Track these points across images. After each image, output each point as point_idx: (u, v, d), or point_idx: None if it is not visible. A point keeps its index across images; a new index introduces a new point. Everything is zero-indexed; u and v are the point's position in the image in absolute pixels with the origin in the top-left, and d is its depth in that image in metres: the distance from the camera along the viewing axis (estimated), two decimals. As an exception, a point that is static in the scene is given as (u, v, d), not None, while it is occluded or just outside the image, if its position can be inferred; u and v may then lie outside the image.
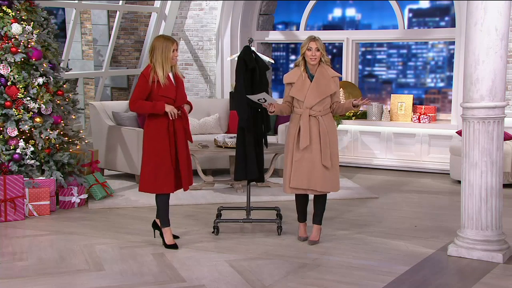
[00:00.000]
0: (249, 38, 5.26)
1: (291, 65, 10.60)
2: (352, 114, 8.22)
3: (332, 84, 4.80)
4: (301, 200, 4.98)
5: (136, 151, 7.00)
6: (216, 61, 8.74)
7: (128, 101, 8.15)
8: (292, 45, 10.27)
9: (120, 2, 8.54)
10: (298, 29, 8.89)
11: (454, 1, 7.62)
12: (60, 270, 4.34)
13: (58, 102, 6.07)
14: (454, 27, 7.72)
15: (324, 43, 4.87)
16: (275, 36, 8.96)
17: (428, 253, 4.65)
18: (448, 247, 4.61)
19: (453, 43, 7.89)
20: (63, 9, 9.83)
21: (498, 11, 4.30)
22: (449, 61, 9.25)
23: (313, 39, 4.77)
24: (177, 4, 8.86)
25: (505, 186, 4.89)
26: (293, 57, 10.67)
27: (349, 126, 8.13)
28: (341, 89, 8.00)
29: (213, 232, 5.14)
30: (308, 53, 4.76)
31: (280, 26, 9.75)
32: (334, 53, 9.53)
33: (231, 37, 8.65)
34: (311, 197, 4.99)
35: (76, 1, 7.94)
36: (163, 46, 4.56)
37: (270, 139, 6.95)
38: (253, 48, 5.10)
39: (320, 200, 4.95)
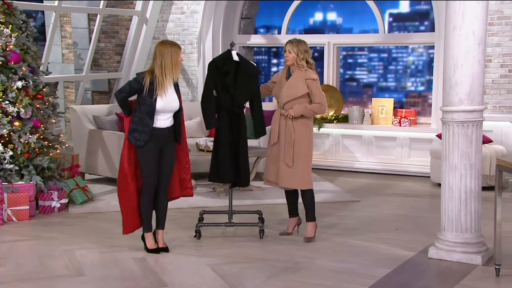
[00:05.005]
0: (231, 41, 5.28)
1: (273, 69, 10.62)
2: (333, 117, 8.26)
3: (302, 86, 4.96)
4: (288, 194, 5.21)
5: (117, 155, 6.94)
6: (197, 65, 8.73)
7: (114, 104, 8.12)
8: (274, 49, 10.29)
9: (101, 5, 8.48)
10: (279, 33, 8.91)
11: (433, 4, 7.71)
12: (39, 275, 4.29)
13: (37, 106, 6.01)
14: (434, 31, 7.80)
15: (310, 47, 5.10)
16: (256, 39, 8.98)
17: (409, 255, 4.68)
18: (429, 250, 4.64)
19: (432, 47, 7.98)
20: (43, 12, 9.73)
21: (475, 16, 4.36)
22: (429, 65, 9.34)
23: (289, 41, 5.08)
24: (158, 8, 8.83)
25: (484, 189, 4.94)
26: (274, 60, 10.68)
27: (331, 129, 8.17)
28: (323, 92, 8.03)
29: (195, 236, 5.12)
30: (284, 54, 5.05)
31: (261, 30, 9.76)
32: (316, 57, 9.56)
33: (213, 40, 8.65)
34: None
35: (56, 4, 7.87)
36: (172, 51, 4.53)
37: (253, 142, 6.95)
38: (233, 52, 5.10)
39: (305, 197, 5.10)
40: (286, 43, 5.04)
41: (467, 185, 4.46)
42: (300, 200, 5.19)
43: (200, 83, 8.69)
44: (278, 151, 5.03)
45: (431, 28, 8.17)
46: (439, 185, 5.11)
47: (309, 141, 5.03)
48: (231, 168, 5.07)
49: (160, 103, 4.54)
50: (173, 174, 4.78)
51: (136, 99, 4.64)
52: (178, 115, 4.68)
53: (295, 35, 9.25)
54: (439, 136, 7.04)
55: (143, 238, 4.80)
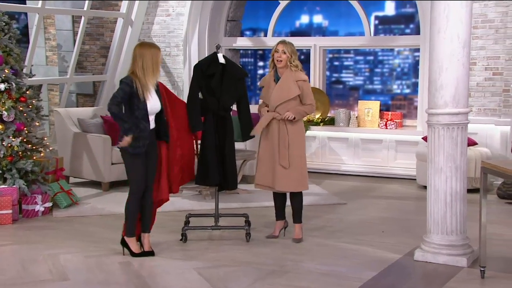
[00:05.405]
0: (217, 44, 5.26)
1: (259, 71, 10.62)
2: (320, 120, 8.27)
3: (294, 88, 4.93)
4: (277, 198, 5.16)
5: (102, 158, 6.90)
6: (183, 67, 8.70)
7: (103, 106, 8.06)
8: (260, 51, 10.29)
9: (85, 7, 8.42)
10: (265, 35, 8.91)
11: (418, 7, 7.74)
12: (22, 280, 4.22)
13: (20, 108, 5.94)
14: (419, 34, 7.85)
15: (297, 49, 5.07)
16: (242, 42, 8.97)
17: (395, 258, 4.69)
18: (415, 252, 4.66)
19: (418, 50, 8.02)
20: (26, 13, 9.63)
21: (459, 19, 4.38)
22: (415, 67, 9.40)
23: (282, 42, 5.00)
24: (144, 10, 8.78)
25: (469, 191, 4.97)
26: (261, 63, 10.68)
27: (317, 132, 8.17)
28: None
29: (181, 240, 5.09)
30: (275, 55, 4.98)
31: (247, 32, 9.76)
32: (302, 59, 9.58)
33: (199, 43, 8.62)
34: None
35: (39, 6, 7.79)
36: (153, 53, 4.51)
37: (239, 145, 6.93)
38: (220, 55, 5.08)
39: (294, 199, 5.09)
40: (278, 43, 4.98)
41: (453, 187, 4.48)
42: (287, 202, 5.18)
43: (186, 86, 8.66)
44: (270, 155, 4.98)
45: (417, 31, 8.22)
46: (425, 187, 5.14)
47: (303, 143, 5.05)
48: (217, 171, 5.04)
49: (148, 105, 4.53)
50: (162, 175, 4.76)
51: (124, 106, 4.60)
52: (161, 115, 4.67)
53: (281, 38, 9.28)
54: (425, 138, 7.07)
55: (122, 243, 4.75)
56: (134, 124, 4.52)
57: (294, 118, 4.91)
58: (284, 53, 4.92)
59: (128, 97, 4.50)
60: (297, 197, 5.09)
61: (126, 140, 4.48)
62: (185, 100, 5.10)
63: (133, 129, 4.49)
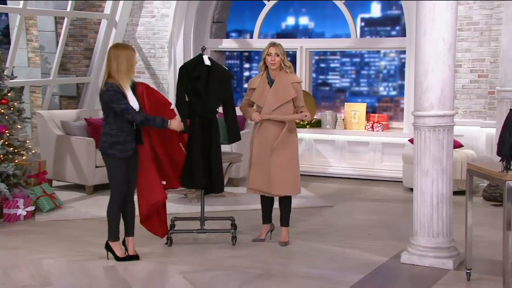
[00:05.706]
0: (202, 46, 5.22)
1: (245, 73, 10.59)
2: (306, 122, 8.26)
3: (290, 90, 4.92)
4: (265, 201, 5.12)
5: (85, 161, 6.82)
6: (168, 69, 8.64)
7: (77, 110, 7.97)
8: (246, 53, 10.26)
9: (68, 8, 8.32)
10: (251, 37, 8.89)
11: (404, 9, 7.75)
12: (4, 286, 4.15)
13: (2, 111, 5.86)
14: (405, 36, 7.86)
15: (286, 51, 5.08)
16: (228, 44, 8.93)
17: (382, 261, 4.68)
18: (401, 255, 4.65)
19: (404, 52, 8.03)
20: (7, 14, 9.50)
21: (445, 22, 4.39)
22: (401, 70, 9.42)
23: (273, 44, 4.96)
24: (128, 11, 8.71)
25: (455, 193, 4.98)
26: (246, 65, 10.65)
27: (304, 134, 8.15)
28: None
29: (166, 243, 5.04)
30: (268, 58, 4.93)
31: (233, 34, 9.73)
32: (288, 61, 9.55)
33: (184, 45, 8.57)
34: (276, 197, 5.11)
35: (21, 7, 7.68)
36: (128, 54, 4.47)
37: (225, 148, 6.88)
38: (205, 57, 5.04)
39: (284, 202, 5.05)
40: (270, 46, 4.94)
41: (439, 189, 4.47)
42: (275, 205, 5.15)
43: (171, 88, 8.60)
44: (265, 158, 4.92)
45: (403, 33, 8.24)
46: (412, 190, 5.14)
47: (297, 146, 5.04)
48: (203, 174, 5.00)
49: None
50: (151, 176, 4.71)
51: (104, 112, 4.54)
52: None
53: (267, 40, 9.25)
54: (411, 141, 7.08)
55: (107, 248, 4.68)
56: (118, 128, 4.46)
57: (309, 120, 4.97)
58: (277, 55, 4.91)
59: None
60: (287, 201, 5.06)
61: (178, 125, 4.59)
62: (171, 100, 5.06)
63: (164, 118, 4.53)
